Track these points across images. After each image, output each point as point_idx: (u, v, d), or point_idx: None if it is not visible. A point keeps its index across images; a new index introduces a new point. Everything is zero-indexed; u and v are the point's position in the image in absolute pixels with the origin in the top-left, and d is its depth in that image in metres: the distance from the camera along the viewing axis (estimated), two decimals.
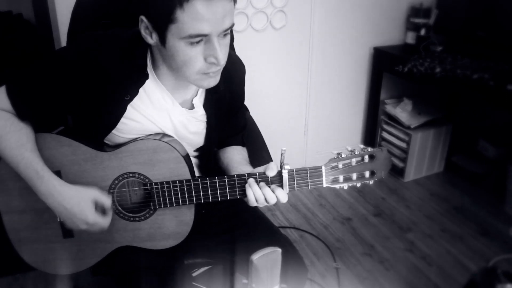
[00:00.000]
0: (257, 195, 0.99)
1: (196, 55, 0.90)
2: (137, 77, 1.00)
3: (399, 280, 1.87)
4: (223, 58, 0.91)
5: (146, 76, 1.00)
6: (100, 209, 1.02)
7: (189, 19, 0.84)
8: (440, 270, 1.92)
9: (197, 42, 0.89)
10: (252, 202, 1.00)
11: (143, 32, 0.92)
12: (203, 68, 0.93)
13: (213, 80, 0.97)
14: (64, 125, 1.12)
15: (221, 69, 0.97)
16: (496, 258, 1.97)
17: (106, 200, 1.02)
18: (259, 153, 1.33)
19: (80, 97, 0.99)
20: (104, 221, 1.02)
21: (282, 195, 1.00)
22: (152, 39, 0.92)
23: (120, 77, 0.98)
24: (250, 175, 1.01)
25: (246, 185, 1.00)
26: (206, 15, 0.84)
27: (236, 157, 1.18)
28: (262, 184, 1.00)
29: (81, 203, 0.99)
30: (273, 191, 1.00)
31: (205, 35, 0.88)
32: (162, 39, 0.90)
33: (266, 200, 1.00)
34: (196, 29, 0.86)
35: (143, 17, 0.90)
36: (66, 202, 0.98)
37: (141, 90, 1.01)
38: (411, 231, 2.18)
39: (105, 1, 1.25)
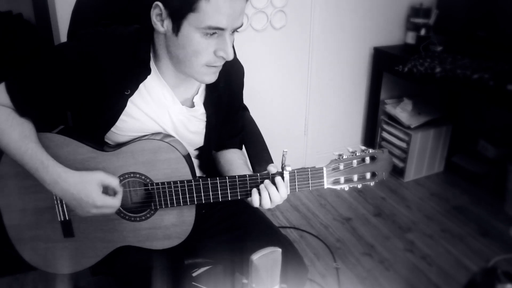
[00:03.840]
0: (265, 195, 1.00)
1: (207, 47, 0.92)
2: (138, 71, 1.00)
3: (399, 280, 1.87)
4: (231, 53, 0.94)
5: (148, 71, 1.01)
6: (110, 191, 1.01)
7: (212, 10, 0.87)
8: (440, 270, 1.92)
9: (211, 35, 0.91)
10: (256, 202, 1.01)
11: (154, 18, 0.93)
12: (210, 61, 0.95)
13: (214, 76, 0.99)
14: (64, 124, 1.12)
15: (221, 66, 0.99)
16: (496, 258, 1.97)
17: (113, 181, 1.00)
18: (259, 153, 1.33)
19: (80, 92, 0.99)
20: (113, 201, 1.00)
21: (283, 190, 1.00)
22: (163, 26, 0.93)
23: (121, 72, 0.98)
24: (252, 176, 1.01)
25: (253, 189, 1.01)
26: (227, 10, 0.87)
27: (237, 162, 1.18)
28: (267, 181, 1.00)
29: (87, 187, 0.98)
30: (277, 189, 1.00)
31: (222, 29, 0.90)
32: (177, 27, 0.91)
33: (270, 198, 1.00)
34: (215, 21, 0.88)
35: (159, 3, 0.90)
36: (72, 188, 0.97)
37: (141, 85, 1.02)
38: (411, 231, 2.18)
39: (105, 1, 1.25)
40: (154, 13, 0.92)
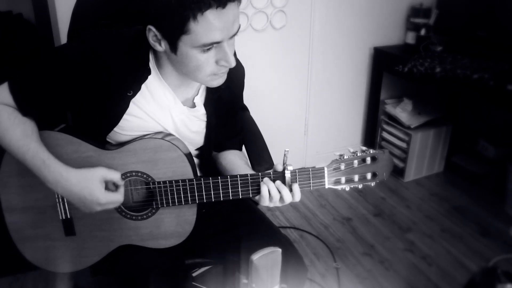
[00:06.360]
0: (273, 192, 0.99)
1: (208, 60, 0.93)
2: (140, 73, 1.00)
3: (399, 280, 1.87)
4: (233, 61, 0.95)
5: (148, 72, 1.01)
6: (112, 185, 1.01)
7: (203, 30, 0.87)
8: (440, 270, 1.92)
9: (209, 49, 0.92)
10: (265, 200, 1.00)
11: (151, 40, 0.94)
12: (214, 71, 0.96)
13: (222, 79, 1.00)
14: (65, 123, 1.12)
15: (228, 69, 0.99)
16: (496, 258, 1.97)
17: (115, 175, 1.01)
18: (259, 153, 1.33)
19: (83, 93, 0.99)
20: (117, 196, 1.01)
21: (298, 191, 1.00)
22: (161, 46, 0.94)
23: (123, 73, 0.99)
24: (253, 175, 1.01)
25: (261, 183, 1.00)
26: (218, 25, 0.87)
27: (238, 162, 1.18)
28: (278, 182, 1.00)
29: (89, 185, 0.98)
30: (290, 189, 1.00)
31: (217, 42, 0.90)
32: (173, 47, 0.92)
33: (281, 197, 0.99)
34: (209, 38, 0.89)
35: (151, 27, 0.91)
36: (74, 187, 0.98)
37: (143, 86, 1.02)
38: (411, 231, 2.18)
39: (105, 1, 1.25)
40: (149, 35, 0.93)
